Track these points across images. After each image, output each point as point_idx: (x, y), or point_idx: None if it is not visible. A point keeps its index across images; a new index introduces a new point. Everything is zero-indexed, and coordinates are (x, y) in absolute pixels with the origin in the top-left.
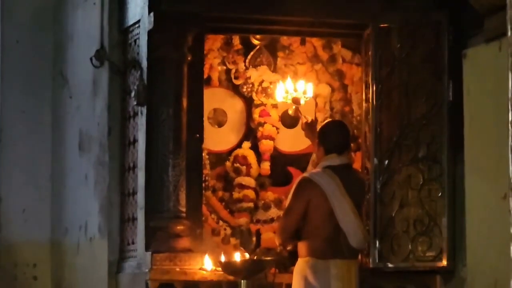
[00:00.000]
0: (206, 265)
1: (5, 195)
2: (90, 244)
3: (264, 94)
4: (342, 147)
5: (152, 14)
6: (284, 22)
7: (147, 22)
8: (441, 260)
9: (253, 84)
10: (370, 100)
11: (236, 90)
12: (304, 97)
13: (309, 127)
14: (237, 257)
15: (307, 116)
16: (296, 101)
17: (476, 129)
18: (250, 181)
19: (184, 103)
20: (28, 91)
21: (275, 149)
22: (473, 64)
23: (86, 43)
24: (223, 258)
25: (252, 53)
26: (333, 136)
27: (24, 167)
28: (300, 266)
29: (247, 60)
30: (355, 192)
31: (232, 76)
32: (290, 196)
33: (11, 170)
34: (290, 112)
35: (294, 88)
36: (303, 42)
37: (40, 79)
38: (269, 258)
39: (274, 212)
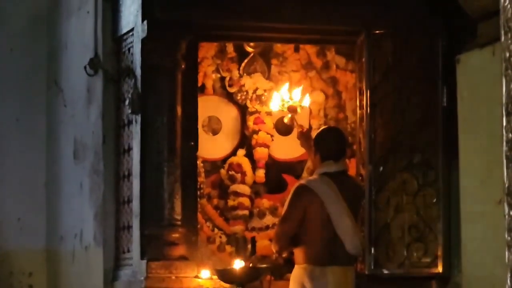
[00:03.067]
0: (202, 273)
1: (0, 203)
2: (85, 252)
3: (258, 102)
4: (339, 153)
5: (145, 22)
6: (277, 29)
7: (141, 30)
8: (436, 266)
9: (247, 91)
10: (364, 107)
11: (230, 97)
12: (300, 106)
13: (304, 136)
14: (233, 264)
15: (302, 125)
16: (292, 109)
17: (470, 134)
18: (245, 189)
19: (179, 111)
20: (22, 100)
21: (270, 156)
22: (467, 69)
23: (80, 51)
24: (218, 266)
25: (246, 60)
26: (329, 143)
27: (19, 175)
28: (297, 273)
29: (241, 68)
30: (352, 198)
31: (226, 84)
32: (286, 203)
33: (5, 178)
34: (286, 120)
35: (290, 96)
36: (296, 49)
37: (34, 88)
38: (264, 265)
39: (269, 219)
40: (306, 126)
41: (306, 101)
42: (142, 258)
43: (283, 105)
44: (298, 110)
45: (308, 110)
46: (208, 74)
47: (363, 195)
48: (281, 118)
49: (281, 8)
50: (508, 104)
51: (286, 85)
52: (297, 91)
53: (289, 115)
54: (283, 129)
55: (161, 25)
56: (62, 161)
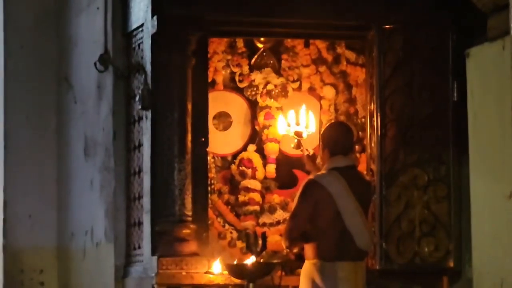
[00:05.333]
0: (213, 268)
1: (11, 200)
2: (96, 249)
3: (268, 97)
4: (347, 147)
5: (155, 18)
6: (287, 24)
7: (151, 26)
8: (447, 261)
9: (257, 86)
10: (375, 102)
11: (240, 93)
12: (307, 130)
13: (311, 160)
14: (244, 260)
15: (308, 149)
16: (298, 134)
17: (480, 127)
18: (255, 184)
19: (189, 106)
20: (32, 97)
21: (280, 151)
22: (477, 63)
23: (90, 47)
24: (229, 261)
25: (256, 55)
26: (337, 137)
27: (30, 172)
28: (307, 269)
29: (251, 63)
30: (361, 193)
31: (237, 79)
32: (296, 198)
33: (16, 175)
34: (293, 146)
35: (297, 121)
36: (306, 45)
37: (44, 84)
38: (275, 260)
39: (280, 214)
40: (314, 151)
41: (312, 127)
42: (153, 254)
43: (289, 129)
44: (304, 134)
45: (318, 105)
46: (218, 69)
47: (372, 191)
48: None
49: (291, 3)
50: None
51: (292, 112)
52: (303, 115)
53: (296, 140)
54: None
55: (171, 21)
56: (73, 158)
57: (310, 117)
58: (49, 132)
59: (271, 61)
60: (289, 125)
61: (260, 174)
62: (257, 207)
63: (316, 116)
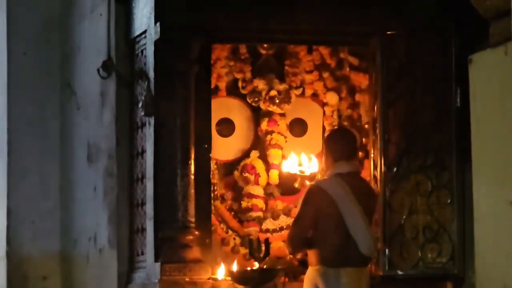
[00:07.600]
0: (217, 274)
1: (14, 207)
2: (99, 255)
3: (271, 103)
4: (350, 153)
5: (158, 24)
6: (291, 30)
7: (154, 32)
8: (451, 267)
9: (260, 93)
10: (378, 107)
11: (243, 99)
12: (309, 169)
13: None
14: (247, 266)
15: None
16: (302, 172)
17: (483, 134)
18: (258, 190)
19: (192, 113)
20: (35, 103)
21: (284, 157)
22: (479, 69)
23: (93, 54)
24: (233, 268)
25: (259, 62)
26: (340, 143)
27: (33, 179)
28: (311, 275)
29: (254, 69)
30: (365, 199)
31: (240, 85)
32: (299, 204)
33: (19, 182)
34: (297, 185)
35: (299, 162)
36: (309, 51)
37: (47, 91)
38: (278, 267)
39: (283, 220)
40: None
41: (315, 167)
42: (156, 260)
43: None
44: (307, 172)
45: (321, 111)
46: (221, 75)
47: (376, 198)
48: (295, 119)
49: (294, 10)
50: None
51: (292, 154)
52: (305, 159)
53: (299, 179)
54: (297, 130)
55: (174, 27)
56: (76, 164)
57: (312, 159)
58: (52, 138)
59: (274, 68)
60: (292, 167)
61: (263, 180)
62: (260, 213)
63: (319, 122)
